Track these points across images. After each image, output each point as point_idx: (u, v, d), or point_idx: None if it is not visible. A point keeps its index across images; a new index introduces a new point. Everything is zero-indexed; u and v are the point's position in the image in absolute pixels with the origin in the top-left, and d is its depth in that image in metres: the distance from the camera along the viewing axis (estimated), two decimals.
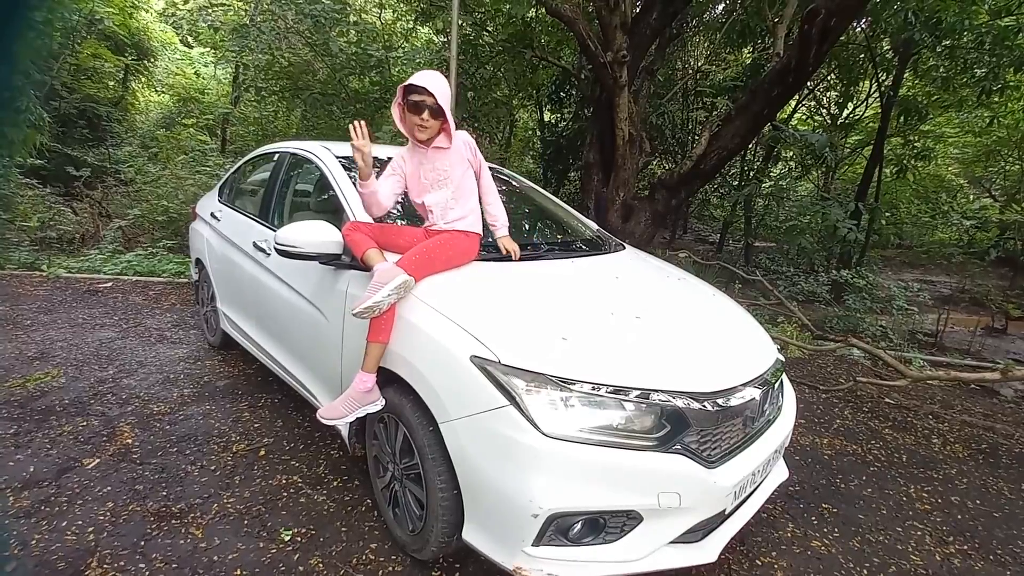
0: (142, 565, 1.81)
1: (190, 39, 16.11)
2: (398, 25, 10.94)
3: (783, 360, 2.14)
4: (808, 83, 12.12)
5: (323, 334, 2.21)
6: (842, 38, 9.69)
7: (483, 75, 8.45)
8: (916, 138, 10.90)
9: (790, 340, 4.63)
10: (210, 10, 8.73)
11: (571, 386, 1.51)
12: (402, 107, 1.94)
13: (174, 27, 15.68)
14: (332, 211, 2.39)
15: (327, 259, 2.09)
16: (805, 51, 5.04)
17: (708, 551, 1.66)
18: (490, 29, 8.56)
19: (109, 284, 5.27)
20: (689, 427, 1.58)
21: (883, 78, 10.06)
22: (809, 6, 4.90)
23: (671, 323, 1.94)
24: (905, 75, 9.90)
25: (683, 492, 1.52)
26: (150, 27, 14.47)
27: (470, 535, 1.62)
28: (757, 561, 2.02)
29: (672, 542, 1.60)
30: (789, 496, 2.45)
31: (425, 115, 1.87)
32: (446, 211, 2.02)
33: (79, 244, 7.88)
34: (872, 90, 11.22)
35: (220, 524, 2.03)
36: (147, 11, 14.77)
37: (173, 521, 2.03)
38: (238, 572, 1.81)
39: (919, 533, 2.24)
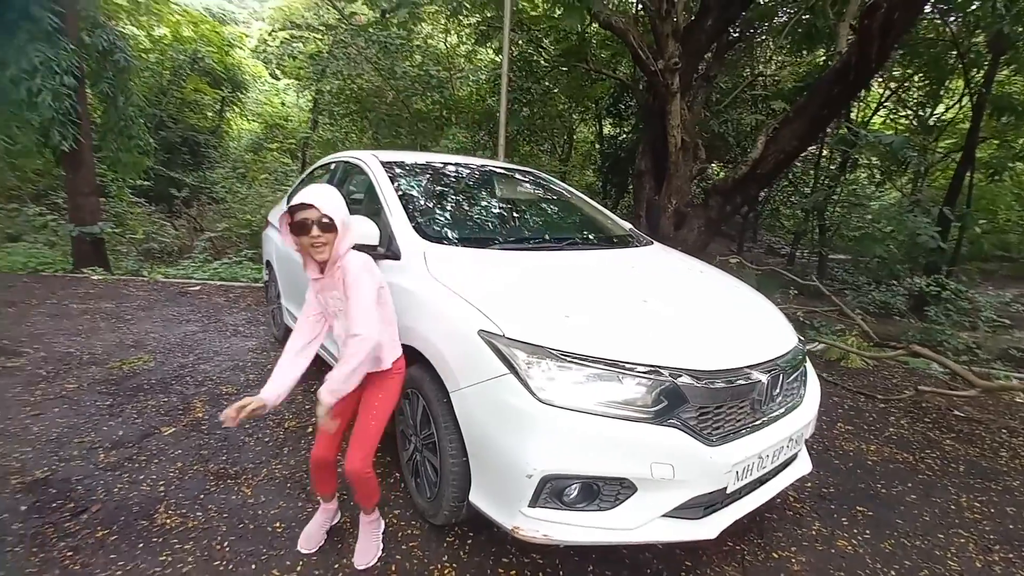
0: (199, 513, 2.08)
1: (278, 72, 17.69)
2: (462, 48, 11.51)
3: (803, 350, 2.10)
4: (890, 83, 11.42)
5: None
6: (931, 34, 9.11)
7: (538, 90, 8.69)
8: (1015, 138, 9.91)
9: (850, 348, 4.37)
10: (292, 42, 9.65)
11: (568, 358, 1.60)
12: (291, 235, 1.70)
13: (264, 61, 17.35)
14: (377, 211, 2.63)
15: (364, 249, 2.31)
16: (866, 48, 4.83)
17: (708, 528, 1.68)
18: (545, 45, 8.82)
19: (197, 288, 5.90)
20: (686, 403, 1.62)
21: (974, 75, 9.28)
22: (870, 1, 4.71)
23: (678, 306, 1.98)
24: (1002, 71, 9.09)
25: (677, 465, 1.56)
26: (243, 62, 16.02)
27: (476, 497, 1.74)
28: (774, 554, 1.98)
29: (670, 515, 1.63)
30: (820, 496, 2.37)
31: (315, 231, 1.63)
32: (347, 343, 1.71)
33: (177, 255, 8.84)
34: (965, 89, 10.35)
35: (267, 485, 2.28)
36: (241, 48, 16.37)
37: (229, 480, 2.30)
38: (277, 524, 2.03)
39: (962, 540, 2.09)
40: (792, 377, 1.96)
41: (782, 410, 1.89)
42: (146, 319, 4.56)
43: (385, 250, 2.26)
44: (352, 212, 3.12)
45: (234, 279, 6.53)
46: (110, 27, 7.07)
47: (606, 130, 13.00)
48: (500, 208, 2.89)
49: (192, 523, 2.02)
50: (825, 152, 12.43)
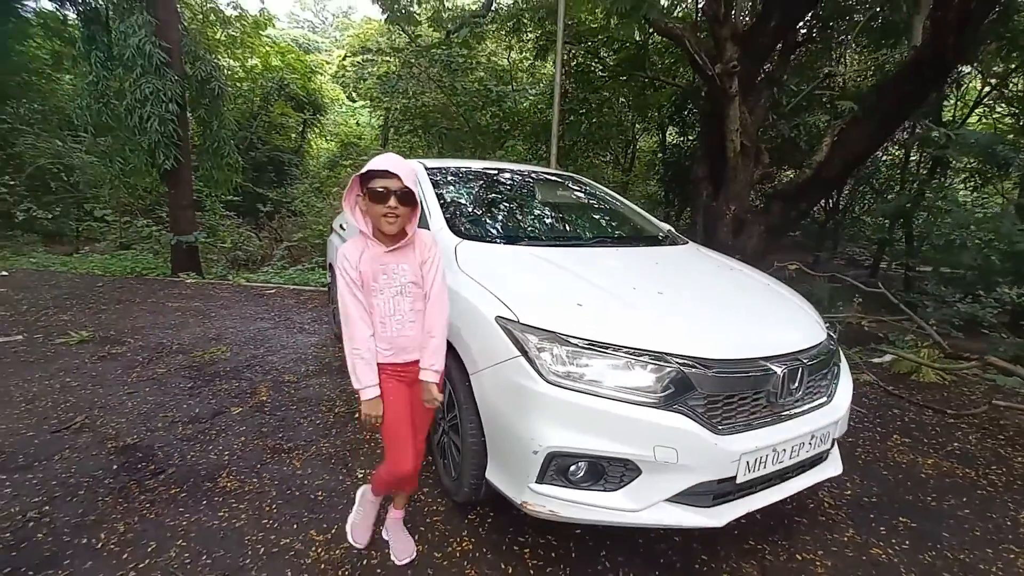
0: (255, 479, 2.33)
1: (354, 94, 18.93)
2: (524, 63, 11.83)
3: (833, 348, 2.04)
4: (990, 79, 10.42)
5: None
6: None
7: (595, 100, 8.76)
8: None
9: (920, 360, 4.06)
10: (364, 66, 10.37)
11: (577, 343, 1.69)
12: (360, 198, 1.62)
13: (342, 85, 18.64)
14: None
15: None
16: (941, 42, 4.54)
17: (716, 517, 1.68)
18: (603, 55, 8.89)
19: (273, 290, 6.45)
20: (693, 390, 1.65)
21: None
22: None
23: (695, 298, 2.00)
24: None
25: (680, 449, 1.59)
26: (324, 87, 17.27)
27: (491, 474, 1.85)
28: (797, 556, 1.93)
29: (676, 501, 1.66)
30: (859, 505, 2.26)
31: (392, 201, 1.55)
32: (404, 326, 1.67)
33: (259, 262, 9.66)
34: None
35: (315, 460, 2.51)
36: (322, 74, 17.66)
37: (282, 454, 2.56)
38: (320, 493, 2.24)
39: (1011, 556, 1.93)
40: (817, 373, 1.92)
41: (804, 405, 1.86)
42: (227, 316, 5.06)
43: None
44: None
45: (305, 284, 7.06)
46: (208, 59, 7.96)
47: (670, 138, 12.79)
48: (533, 208, 3.01)
49: (248, 487, 2.27)
50: (914, 155, 11.54)
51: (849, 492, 2.35)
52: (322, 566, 1.83)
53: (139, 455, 2.52)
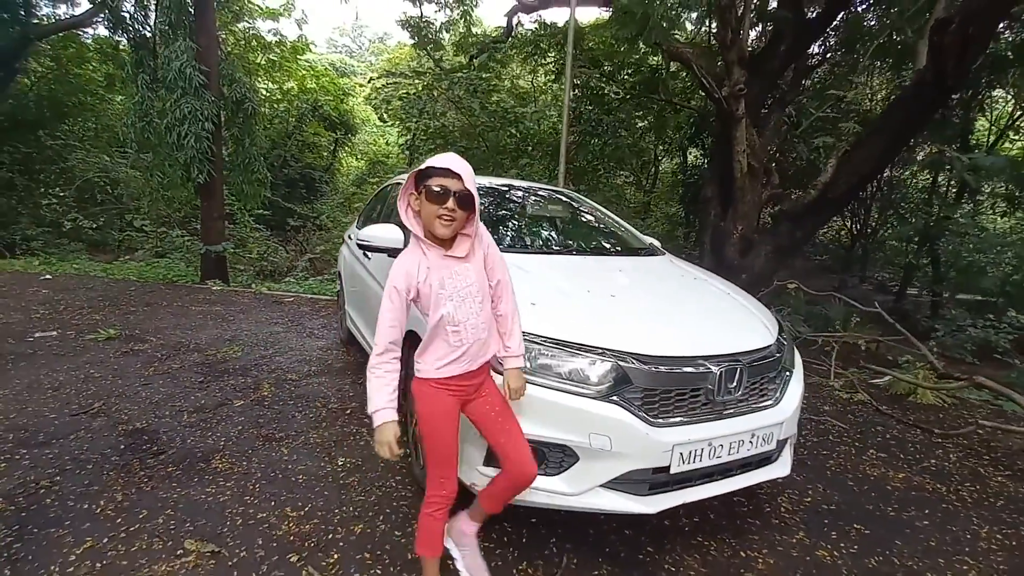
0: (245, 462, 2.53)
1: (385, 116, 19.64)
2: (545, 85, 12.17)
3: (781, 355, 2.12)
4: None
5: None
6: None
7: (609, 122, 8.96)
8: None
9: (914, 381, 4.02)
10: (389, 88, 10.88)
11: (525, 338, 1.83)
12: (415, 196, 1.53)
13: (373, 107, 19.38)
14: None
15: (392, 252, 2.71)
16: (941, 64, 4.57)
17: (650, 505, 1.78)
18: (618, 78, 9.11)
19: (291, 298, 6.77)
20: (630, 383, 1.77)
21: None
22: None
23: (644, 301, 2.12)
24: None
25: (614, 437, 1.71)
26: (355, 108, 17.99)
27: None
28: (741, 552, 2.00)
29: (613, 488, 1.77)
30: (816, 511, 2.30)
31: (451, 203, 1.46)
32: (478, 329, 1.57)
33: (284, 273, 10.08)
34: None
35: (301, 449, 2.70)
36: (355, 96, 18.41)
37: (273, 442, 2.75)
38: (301, 477, 2.42)
39: (964, 568, 1.94)
40: (762, 375, 2.01)
41: (746, 405, 1.95)
42: (244, 320, 5.36)
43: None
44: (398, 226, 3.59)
45: (323, 293, 7.37)
46: (243, 82, 8.51)
47: (691, 160, 12.86)
48: (518, 220, 3.17)
49: (237, 469, 2.47)
50: (942, 180, 11.31)
51: (809, 499, 2.40)
52: (291, 538, 1.99)
53: (145, 438, 2.75)
